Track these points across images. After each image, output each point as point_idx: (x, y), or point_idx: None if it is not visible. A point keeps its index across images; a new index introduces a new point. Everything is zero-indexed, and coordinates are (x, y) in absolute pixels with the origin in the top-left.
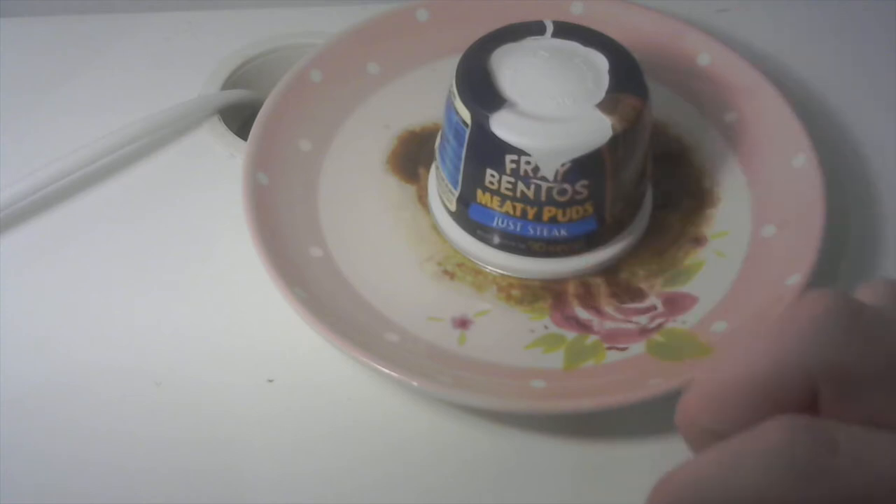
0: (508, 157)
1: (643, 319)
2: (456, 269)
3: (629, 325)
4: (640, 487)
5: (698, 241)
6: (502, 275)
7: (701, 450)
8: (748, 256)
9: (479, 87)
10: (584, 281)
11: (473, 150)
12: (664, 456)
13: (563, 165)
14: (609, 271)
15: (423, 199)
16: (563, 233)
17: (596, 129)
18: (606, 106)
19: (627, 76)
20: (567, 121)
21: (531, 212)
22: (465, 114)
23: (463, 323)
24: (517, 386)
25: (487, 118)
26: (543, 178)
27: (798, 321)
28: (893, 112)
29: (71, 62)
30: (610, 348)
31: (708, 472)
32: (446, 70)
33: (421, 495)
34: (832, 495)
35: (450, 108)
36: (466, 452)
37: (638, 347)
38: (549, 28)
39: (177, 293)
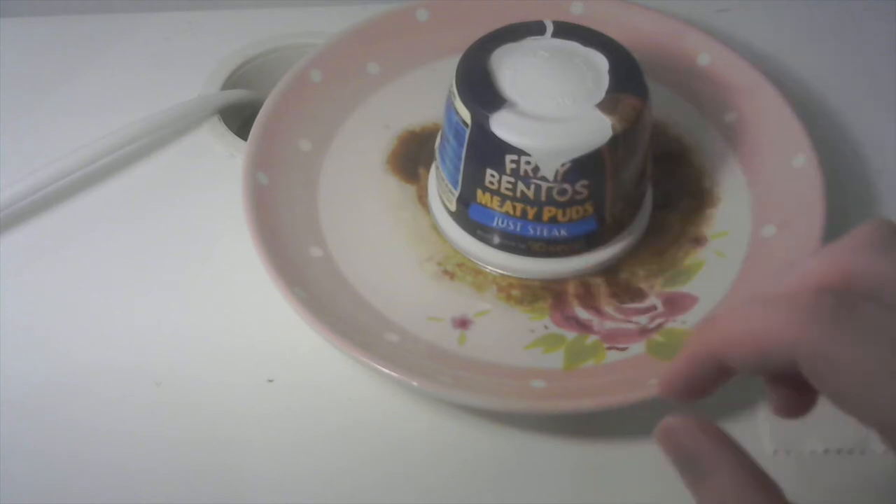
0: (508, 157)
1: (643, 319)
2: (456, 269)
3: (629, 325)
4: (640, 487)
5: (698, 241)
6: (502, 275)
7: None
8: (748, 256)
9: (479, 87)
10: (584, 281)
11: (473, 150)
12: (664, 456)
13: (563, 165)
14: (609, 271)
15: (423, 199)
16: (563, 233)
17: (596, 129)
18: (606, 106)
19: (627, 76)
20: (567, 121)
21: (531, 212)
22: (465, 114)
23: (463, 323)
24: (517, 386)
25: (487, 118)
26: (543, 178)
27: (789, 302)
28: (893, 112)
29: (71, 62)
30: (610, 348)
31: (751, 313)
32: (446, 70)
33: (421, 495)
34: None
35: (450, 108)
36: (466, 452)
37: (638, 347)
38: (549, 28)
39: (177, 293)
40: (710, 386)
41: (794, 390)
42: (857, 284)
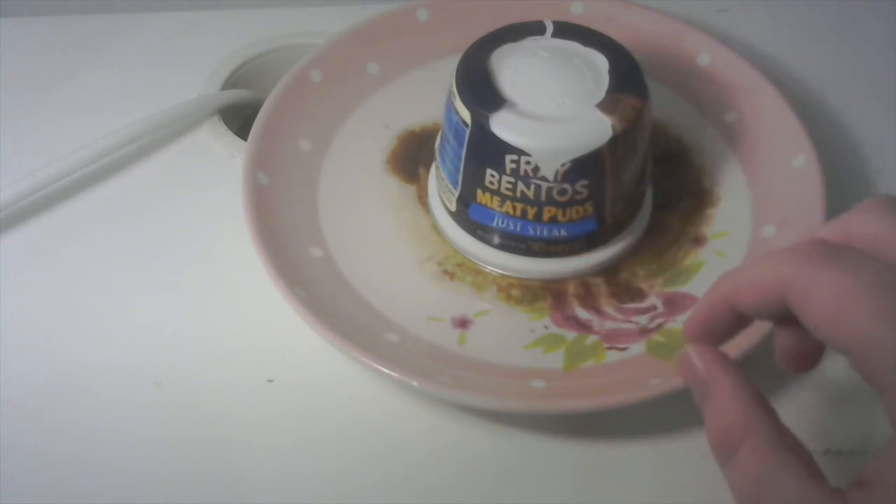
0: (508, 157)
1: (643, 319)
2: (456, 269)
3: (629, 325)
4: (640, 487)
5: (698, 241)
6: (502, 275)
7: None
8: (748, 256)
9: (479, 87)
10: (584, 281)
11: (473, 150)
12: (664, 456)
13: (563, 165)
14: (609, 271)
15: (423, 199)
16: (563, 233)
17: (596, 129)
18: (606, 106)
19: (627, 76)
20: (567, 121)
21: (531, 212)
22: (465, 114)
23: (463, 323)
24: (517, 386)
25: (487, 118)
26: (543, 178)
27: (787, 250)
28: (893, 112)
29: (71, 62)
30: (610, 348)
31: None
32: (446, 70)
33: (421, 495)
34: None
35: (450, 108)
36: (466, 452)
37: (638, 347)
38: (549, 28)
39: (177, 293)
40: (727, 332)
41: (800, 343)
42: (856, 243)
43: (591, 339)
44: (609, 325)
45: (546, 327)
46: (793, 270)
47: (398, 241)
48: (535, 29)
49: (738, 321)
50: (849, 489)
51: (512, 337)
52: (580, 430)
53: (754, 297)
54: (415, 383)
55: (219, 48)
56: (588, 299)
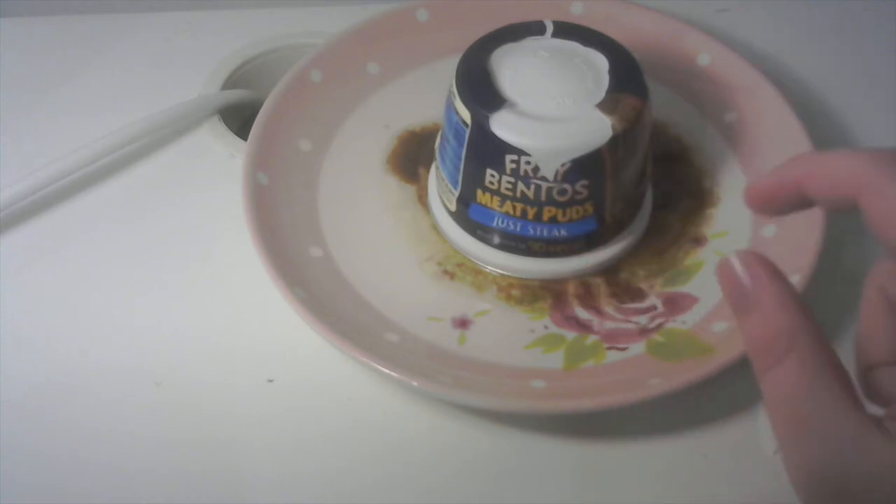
0: (508, 157)
1: (643, 319)
2: (456, 269)
3: (629, 325)
4: (640, 487)
5: (698, 241)
6: (502, 275)
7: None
8: None
9: (479, 87)
10: (584, 281)
11: (473, 150)
12: (663, 456)
13: (563, 165)
14: (609, 271)
15: (423, 199)
16: (563, 233)
17: (596, 129)
18: (606, 106)
19: (627, 76)
20: (567, 121)
21: (531, 212)
22: (465, 114)
23: (463, 323)
24: (517, 386)
25: (487, 118)
26: (543, 178)
27: (870, 149)
28: (893, 112)
29: (71, 62)
30: (610, 348)
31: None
32: (446, 70)
33: (421, 495)
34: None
35: (450, 108)
36: (466, 452)
37: (638, 347)
38: (549, 28)
39: (177, 293)
40: (787, 209)
41: None
42: None
43: (591, 339)
44: (609, 325)
45: (546, 327)
46: (868, 170)
47: (398, 241)
48: (535, 29)
49: (802, 202)
50: (885, 419)
51: (512, 337)
52: (580, 430)
53: (826, 187)
54: (415, 383)
55: (219, 48)
56: (588, 299)
